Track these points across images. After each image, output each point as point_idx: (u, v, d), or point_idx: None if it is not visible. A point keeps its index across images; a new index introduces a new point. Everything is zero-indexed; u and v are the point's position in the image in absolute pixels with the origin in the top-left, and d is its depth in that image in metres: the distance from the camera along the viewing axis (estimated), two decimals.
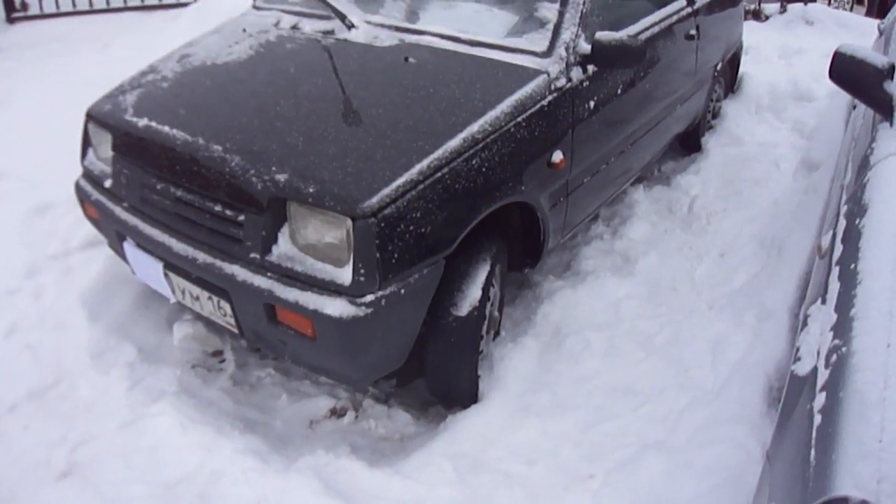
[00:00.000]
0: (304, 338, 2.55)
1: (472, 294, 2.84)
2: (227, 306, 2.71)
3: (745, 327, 3.32)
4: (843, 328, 1.78)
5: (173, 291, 2.94)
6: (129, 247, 3.00)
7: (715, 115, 5.82)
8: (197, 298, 2.83)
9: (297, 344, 2.64)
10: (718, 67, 5.39)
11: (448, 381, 3.00)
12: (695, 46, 4.64)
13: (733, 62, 6.06)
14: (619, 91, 3.62)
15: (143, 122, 2.92)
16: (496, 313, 3.21)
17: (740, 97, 6.25)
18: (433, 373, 2.98)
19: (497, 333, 3.31)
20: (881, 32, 4.93)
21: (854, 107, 4.09)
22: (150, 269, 2.96)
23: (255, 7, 4.00)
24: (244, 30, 3.66)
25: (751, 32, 7.00)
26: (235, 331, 2.81)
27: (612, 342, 3.39)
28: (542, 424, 2.90)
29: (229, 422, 2.90)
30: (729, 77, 6.10)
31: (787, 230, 3.98)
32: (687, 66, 4.63)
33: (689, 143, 5.42)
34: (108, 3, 7.84)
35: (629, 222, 4.36)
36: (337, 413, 3.11)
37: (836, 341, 1.75)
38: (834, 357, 1.70)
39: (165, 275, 2.88)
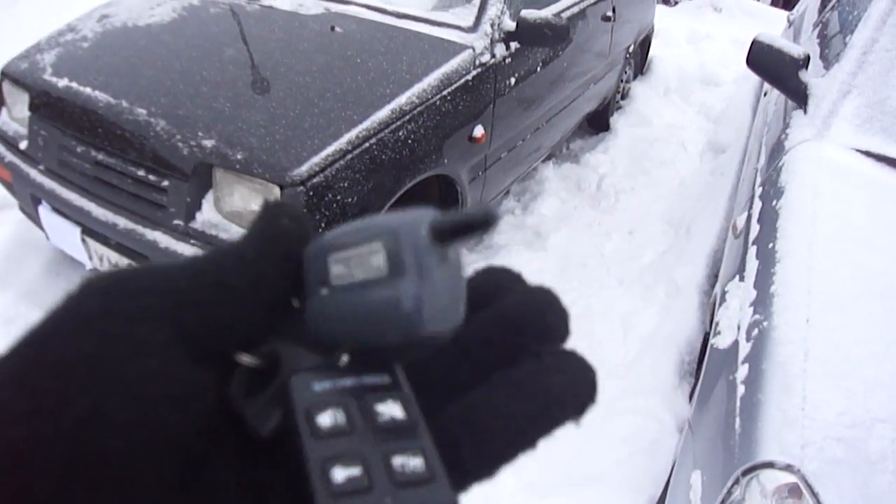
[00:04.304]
0: None
1: None
2: None
3: (655, 302, 3.44)
4: (763, 304, 1.89)
5: (90, 257, 2.88)
6: (44, 211, 2.92)
7: (624, 96, 5.97)
8: (115, 265, 2.78)
9: None
10: (630, 49, 5.53)
11: None
12: (610, 28, 4.76)
13: (644, 45, 6.23)
14: (538, 69, 3.70)
15: (63, 82, 2.84)
16: None
17: (649, 79, 6.42)
18: None
19: None
20: (790, 23, 5.14)
21: (765, 94, 4.25)
22: (66, 234, 2.89)
23: None
24: None
25: (660, 16, 7.18)
26: None
27: None
28: None
29: None
30: (639, 59, 6.26)
31: (694, 210, 4.13)
32: (602, 47, 4.74)
33: (597, 123, 5.55)
34: None
35: (540, 198, 4.45)
36: None
37: (757, 316, 1.86)
38: (755, 331, 1.81)
39: (83, 240, 2.82)
